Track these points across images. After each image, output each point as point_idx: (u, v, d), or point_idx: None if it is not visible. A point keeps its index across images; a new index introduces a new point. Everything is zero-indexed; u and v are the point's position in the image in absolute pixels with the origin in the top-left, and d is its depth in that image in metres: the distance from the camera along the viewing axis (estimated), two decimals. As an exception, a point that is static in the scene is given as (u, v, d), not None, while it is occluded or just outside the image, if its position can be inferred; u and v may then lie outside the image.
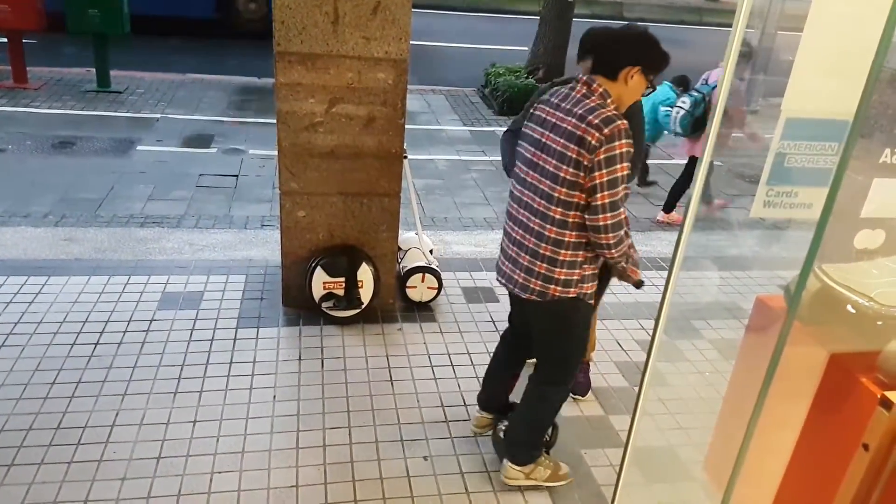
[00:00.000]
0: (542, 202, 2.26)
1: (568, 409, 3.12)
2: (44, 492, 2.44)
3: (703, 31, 13.60)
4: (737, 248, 4.91)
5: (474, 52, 10.87)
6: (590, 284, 2.37)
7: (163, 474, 2.56)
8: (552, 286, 2.31)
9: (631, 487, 2.06)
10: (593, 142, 2.10)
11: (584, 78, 2.25)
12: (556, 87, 2.40)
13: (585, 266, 2.32)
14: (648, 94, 2.30)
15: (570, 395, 3.26)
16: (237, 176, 5.81)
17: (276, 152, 3.44)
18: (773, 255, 4.22)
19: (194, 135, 6.66)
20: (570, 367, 2.55)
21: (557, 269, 2.29)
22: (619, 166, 2.12)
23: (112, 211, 4.94)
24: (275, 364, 3.24)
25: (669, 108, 5.44)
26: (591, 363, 3.32)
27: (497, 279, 2.54)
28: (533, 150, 2.32)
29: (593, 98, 2.20)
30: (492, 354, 2.87)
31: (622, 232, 2.21)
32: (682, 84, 5.56)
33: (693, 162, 5.50)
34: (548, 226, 2.26)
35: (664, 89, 5.57)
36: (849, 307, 1.88)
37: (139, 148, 6.22)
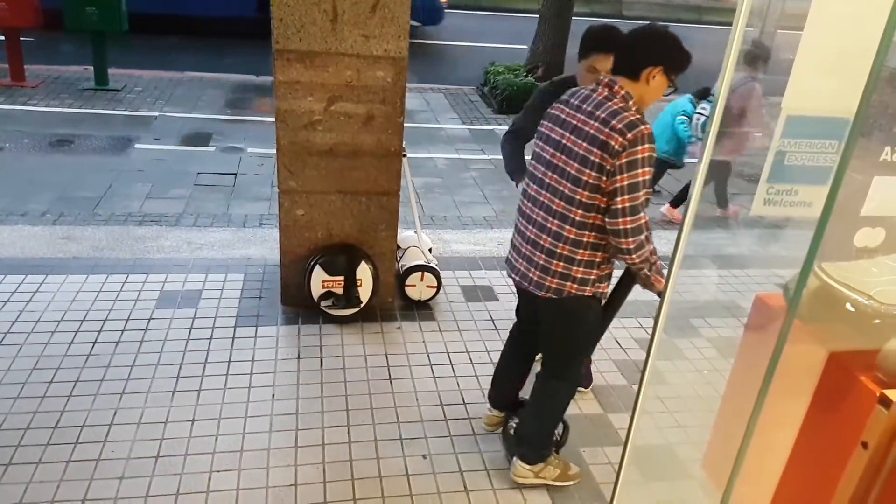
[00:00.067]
0: (562, 203, 2.25)
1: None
2: (41, 491, 2.43)
3: (702, 30, 13.61)
4: (735, 246, 4.92)
5: (473, 51, 10.86)
6: (605, 284, 2.38)
7: (161, 473, 2.55)
8: (569, 283, 2.32)
9: (630, 486, 2.06)
10: (616, 146, 2.10)
11: (606, 80, 2.23)
12: (577, 89, 2.39)
13: (603, 266, 2.33)
14: (670, 93, 2.32)
15: None
16: (236, 174, 5.80)
17: (274, 150, 3.43)
18: (772, 253, 4.22)
19: (192, 133, 6.64)
20: (578, 363, 2.59)
21: (574, 268, 2.30)
22: (640, 171, 2.11)
23: (110, 209, 4.93)
24: (273, 363, 3.23)
25: (685, 118, 5.42)
26: (591, 359, 3.32)
27: (509, 275, 2.53)
28: (552, 151, 2.30)
29: (615, 101, 2.18)
30: (500, 353, 2.88)
31: (642, 237, 2.19)
32: (704, 97, 5.51)
33: (712, 165, 5.51)
34: (567, 226, 2.26)
35: (683, 101, 5.54)
36: (848, 305, 1.88)
37: (137, 146, 6.21)
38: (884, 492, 1.69)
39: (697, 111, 5.29)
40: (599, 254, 2.29)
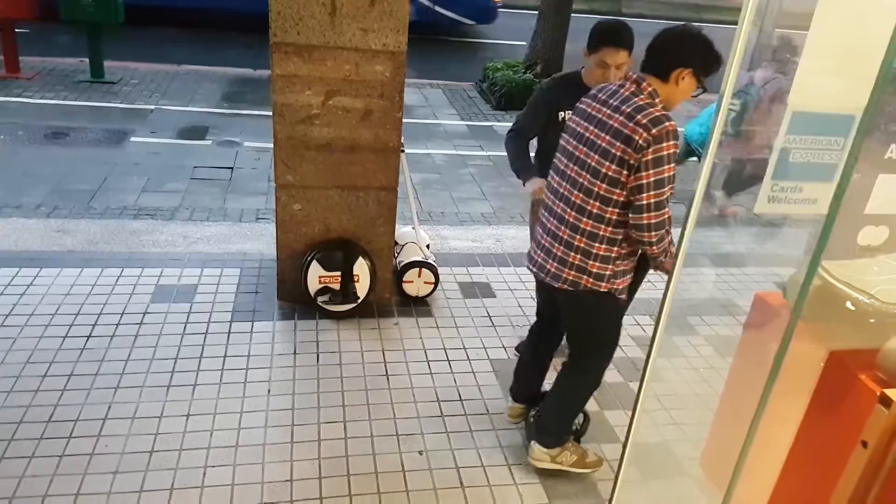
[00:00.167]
0: (581, 195, 2.28)
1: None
2: (35, 485, 2.41)
3: (702, 28, 13.58)
4: (733, 244, 4.91)
5: (472, 47, 10.83)
6: (622, 280, 2.39)
7: (155, 468, 2.53)
8: (585, 277, 2.34)
9: (630, 485, 2.05)
10: (640, 141, 2.11)
11: (634, 76, 2.26)
12: (604, 84, 2.40)
13: (619, 262, 2.34)
14: (698, 94, 2.32)
15: (515, 350, 3.38)
16: (232, 168, 5.77)
17: (271, 145, 3.41)
18: (769, 252, 4.22)
19: (189, 126, 6.60)
20: (601, 356, 2.58)
21: (591, 262, 2.32)
22: (666, 167, 2.13)
23: (105, 203, 4.90)
24: (269, 358, 3.21)
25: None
26: None
27: (527, 267, 2.56)
28: (575, 143, 2.33)
29: (642, 97, 2.20)
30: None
31: (664, 230, 2.22)
32: None
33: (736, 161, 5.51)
34: (584, 218, 2.28)
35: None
36: (848, 304, 1.87)
37: (133, 139, 6.17)
38: (883, 491, 1.69)
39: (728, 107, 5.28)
40: (615, 249, 2.30)
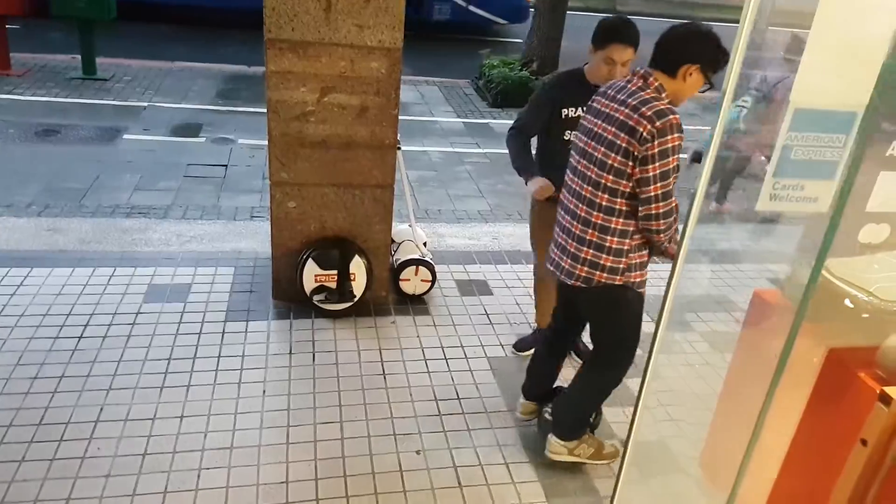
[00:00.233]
0: (590, 189, 2.32)
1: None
2: (25, 490, 2.37)
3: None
4: (727, 241, 4.90)
5: (469, 44, 10.79)
6: (637, 273, 2.39)
7: (148, 471, 2.50)
8: (598, 272, 2.36)
9: (631, 483, 2.02)
10: (645, 133, 2.14)
11: (642, 71, 2.29)
12: (614, 81, 2.43)
13: (632, 255, 2.35)
14: (706, 90, 2.36)
15: (513, 348, 3.43)
16: (226, 166, 5.72)
17: (266, 142, 3.37)
18: (763, 248, 4.20)
19: (182, 124, 6.55)
20: (623, 350, 2.56)
21: (604, 256, 2.34)
22: (671, 158, 2.17)
23: (97, 201, 4.84)
24: (264, 358, 3.18)
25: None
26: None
27: (546, 265, 2.59)
28: (586, 139, 2.38)
29: (648, 91, 2.23)
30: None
31: (672, 219, 2.26)
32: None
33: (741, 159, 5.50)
34: (594, 212, 2.31)
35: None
36: (847, 302, 1.84)
37: (125, 137, 6.11)
38: (883, 489, 1.67)
39: (738, 104, 5.27)
40: (627, 241, 2.32)
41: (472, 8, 10.62)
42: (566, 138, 2.94)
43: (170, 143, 6.12)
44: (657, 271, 2.58)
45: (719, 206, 5.51)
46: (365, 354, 3.30)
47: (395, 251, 3.83)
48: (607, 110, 2.30)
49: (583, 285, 2.40)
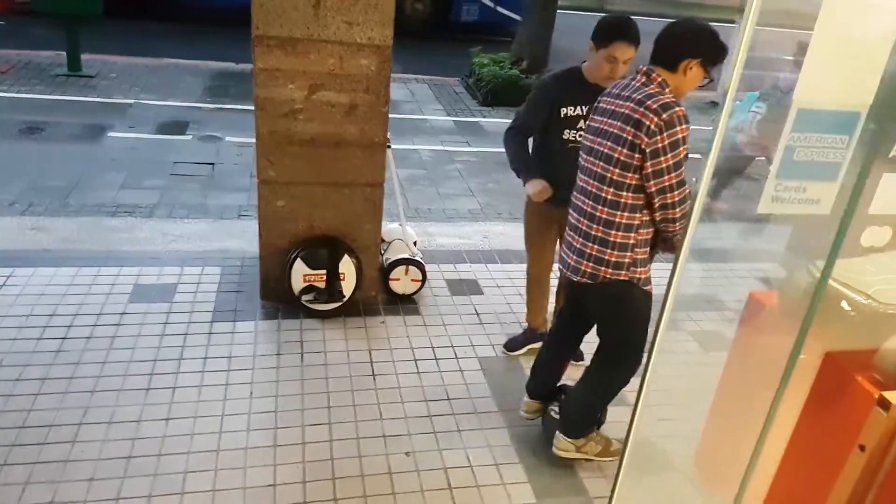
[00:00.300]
0: (596, 184, 2.37)
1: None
2: (6, 494, 2.33)
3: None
4: (716, 240, 4.90)
5: (458, 41, 10.74)
6: (642, 269, 2.42)
7: (133, 475, 2.46)
8: (603, 268, 2.38)
9: (629, 482, 2.00)
10: (652, 126, 2.19)
11: (644, 68, 2.33)
12: (619, 81, 2.47)
13: (637, 249, 2.38)
14: (705, 84, 2.44)
15: (503, 348, 3.42)
16: (213, 164, 5.66)
17: (254, 140, 3.33)
18: (752, 247, 4.21)
19: (169, 121, 6.48)
20: (631, 349, 2.55)
21: (608, 251, 2.36)
22: (681, 149, 2.23)
23: (82, 200, 4.78)
24: (252, 359, 3.14)
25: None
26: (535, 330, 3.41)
27: (558, 265, 2.64)
28: (592, 137, 2.43)
29: (652, 86, 2.29)
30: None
31: (687, 204, 2.29)
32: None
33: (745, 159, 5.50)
34: (600, 206, 2.35)
35: (753, 96, 5.53)
36: (844, 304, 1.83)
37: (111, 134, 6.03)
38: (881, 495, 1.66)
39: (753, 109, 5.28)
40: (632, 235, 2.35)
41: (499, 9, 10.72)
42: (565, 137, 2.92)
43: (156, 140, 6.04)
44: (656, 269, 2.57)
45: (713, 202, 5.51)
46: (354, 355, 3.26)
47: (384, 250, 3.80)
48: (612, 107, 2.35)
49: (588, 281, 2.43)
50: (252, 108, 3.28)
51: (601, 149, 2.34)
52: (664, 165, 2.21)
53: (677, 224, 2.33)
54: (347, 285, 3.48)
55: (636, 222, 2.33)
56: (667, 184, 2.24)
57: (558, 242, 3.26)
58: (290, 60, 3.17)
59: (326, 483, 2.53)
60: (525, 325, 3.49)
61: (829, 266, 1.40)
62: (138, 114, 6.56)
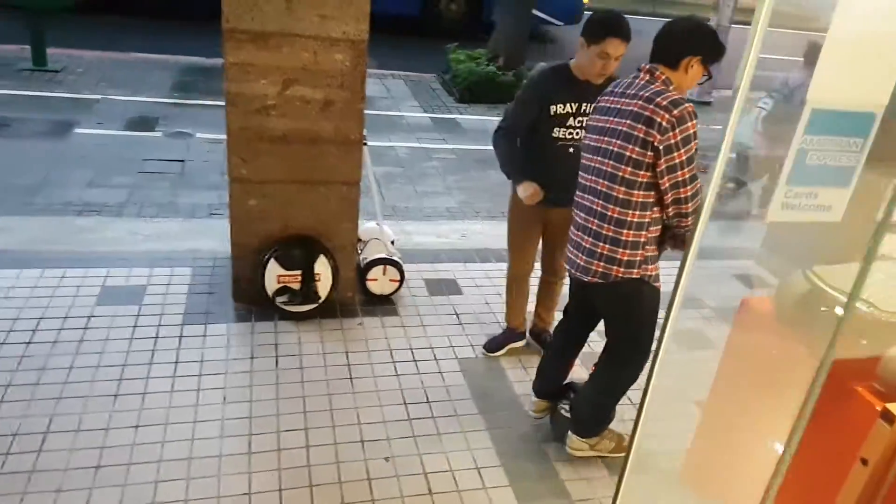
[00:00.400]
0: (606, 183, 2.36)
1: (531, 403, 3.05)
2: (-34, 509, 2.23)
3: (657, 23, 13.77)
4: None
5: (433, 37, 10.67)
6: (653, 266, 2.44)
7: (102, 485, 2.38)
8: (615, 267, 2.39)
9: (631, 485, 1.96)
10: (664, 123, 2.21)
11: (647, 66, 2.36)
12: (619, 80, 2.47)
13: (648, 247, 2.40)
14: (704, 81, 2.49)
15: (483, 349, 3.38)
16: (183, 161, 5.53)
17: (225, 136, 3.24)
18: (728, 245, 4.22)
19: (138, 117, 6.33)
20: (640, 346, 2.57)
21: (620, 250, 2.37)
22: (692, 144, 2.25)
23: (47, 198, 4.63)
24: (225, 363, 3.07)
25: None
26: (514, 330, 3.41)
27: (565, 266, 2.64)
28: (597, 136, 2.42)
29: (657, 84, 2.31)
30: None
31: (699, 199, 2.29)
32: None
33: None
34: (611, 206, 2.35)
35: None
36: (842, 312, 1.76)
37: (77, 131, 5.87)
38: (884, 510, 1.61)
39: (759, 105, 5.30)
40: (643, 233, 2.36)
41: (533, 11, 10.80)
42: (555, 135, 2.88)
43: (124, 137, 5.89)
44: (676, 251, 2.56)
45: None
46: (331, 358, 3.20)
47: (361, 250, 3.74)
48: (618, 106, 2.35)
49: (600, 281, 2.43)
50: (223, 103, 3.19)
51: (610, 147, 2.33)
52: (677, 161, 2.23)
53: (689, 219, 2.35)
54: (323, 286, 3.41)
55: (647, 220, 2.35)
56: (680, 179, 2.26)
57: (540, 242, 3.23)
58: (263, 55, 3.10)
59: (303, 491, 2.47)
60: (504, 325, 3.46)
61: (858, 285, 1.35)
62: (106, 110, 6.39)
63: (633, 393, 3.12)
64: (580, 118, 2.85)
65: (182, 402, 2.80)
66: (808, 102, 1.37)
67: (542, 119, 2.86)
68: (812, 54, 4.68)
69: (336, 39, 3.15)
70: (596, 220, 2.40)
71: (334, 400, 2.93)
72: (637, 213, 2.33)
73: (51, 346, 3.02)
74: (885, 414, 1.55)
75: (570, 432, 2.73)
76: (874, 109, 1.35)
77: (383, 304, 3.67)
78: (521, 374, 3.27)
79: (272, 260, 3.32)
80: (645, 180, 2.29)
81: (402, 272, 3.65)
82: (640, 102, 2.26)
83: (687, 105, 2.22)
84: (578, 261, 2.48)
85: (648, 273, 2.42)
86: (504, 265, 3.35)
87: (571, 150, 2.90)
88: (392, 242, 3.82)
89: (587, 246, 2.44)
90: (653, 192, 2.32)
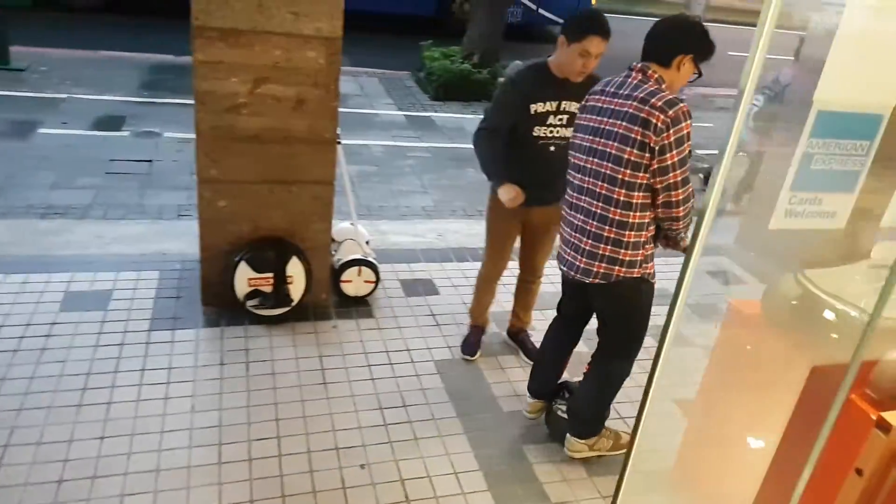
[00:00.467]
0: (606, 185, 2.34)
1: (511, 405, 3.05)
2: (-83, 529, 2.12)
3: (633, 21, 13.90)
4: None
5: (407, 34, 10.61)
6: (651, 264, 2.47)
7: (65, 500, 2.29)
8: (617, 267, 2.40)
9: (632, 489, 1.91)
10: (659, 124, 2.20)
11: (639, 65, 2.35)
12: (609, 78, 2.44)
13: (647, 246, 2.42)
14: (695, 80, 2.47)
15: (462, 354, 3.34)
16: (151, 161, 5.40)
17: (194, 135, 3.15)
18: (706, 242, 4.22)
19: (104, 116, 6.17)
20: (635, 343, 2.63)
21: (623, 251, 2.38)
22: (685, 145, 2.24)
23: (9, 201, 4.48)
24: (193, 370, 2.98)
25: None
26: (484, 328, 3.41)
27: (559, 268, 2.61)
28: (591, 137, 2.40)
29: (650, 83, 2.29)
30: (539, 345, 2.94)
31: (690, 203, 2.33)
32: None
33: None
34: (612, 208, 2.34)
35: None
36: (833, 317, 1.72)
37: (41, 131, 5.71)
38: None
39: (752, 102, 5.32)
40: (643, 233, 2.38)
41: (541, 10, 10.96)
42: (536, 134, 2.84)
43: (90, 137, 5.74)
44: (669, 250, 2.59)
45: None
46: (304, 363, 3.13)
47: (335, 251, 3.67)
48: (611, 106, 2.33)
49: (602, 282, 2.43)
50: (192, 101, 3.10)
51: (607, 150, 2.32)
52: (669, 162, 2.23)
53: (681, 223, 2.36)
54: (296, 289, 3.34)
55: (647, 220, 2.36)
56: (671, 181, 2.26)
57: (518, 241, 3.19)
58: (233, 52, 3.02)
59: (276, 501, 2.40)
60: (468, 323, 3.41)
61: (881, 304, 1.30)
62: (71, 109, 6.23)
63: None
64: (560, 116, 2.83)
65: (149, 411, 2.72)
66: (815, 103, 1.32)
67: (522, 118, 2.82)
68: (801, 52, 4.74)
69: (309, 37, 3.08)
70: (596, 223, 2.39)
71: (308, 406, 2.86)
72: (638, 214, 2.34)
73: (11, 356, 2.91)
74: (880, 423, 1.51)
75: (568, 435, 2.73)
76: (881, 111, 1.31)
77: (358, 307, 3.60)
78: (498, 375, 3.23)
79: (242, 262, 3.23)
80: (644, 182, 2.29)
81: (377, 273, 3.59)
82: (635, 104, 2.25)
83: (682, 105, 2.21)
84: (578, 263, 2.46)
85: (648, 271, 2.46)
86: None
87: (553, 148, 2.87)
88: (367, 243, 3.75)
89: (587, 248, 2.43)
90: (650, 193, 2.33)
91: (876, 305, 1.35)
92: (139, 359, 3.00)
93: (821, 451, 1.54)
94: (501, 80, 6.07)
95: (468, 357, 3.31)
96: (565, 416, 2.77)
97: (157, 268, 3.70)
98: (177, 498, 2.35)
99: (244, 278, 3.24)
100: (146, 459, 2.49)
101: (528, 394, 2.95)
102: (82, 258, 3.72)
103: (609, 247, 2.38)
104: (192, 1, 2.90)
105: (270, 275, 3.28)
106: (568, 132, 2.87)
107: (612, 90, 2.37)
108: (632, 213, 2.33)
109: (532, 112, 2.80)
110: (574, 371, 2.99)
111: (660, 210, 2.33)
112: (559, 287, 2.79)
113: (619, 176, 2.29)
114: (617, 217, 2.34)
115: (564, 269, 2.56)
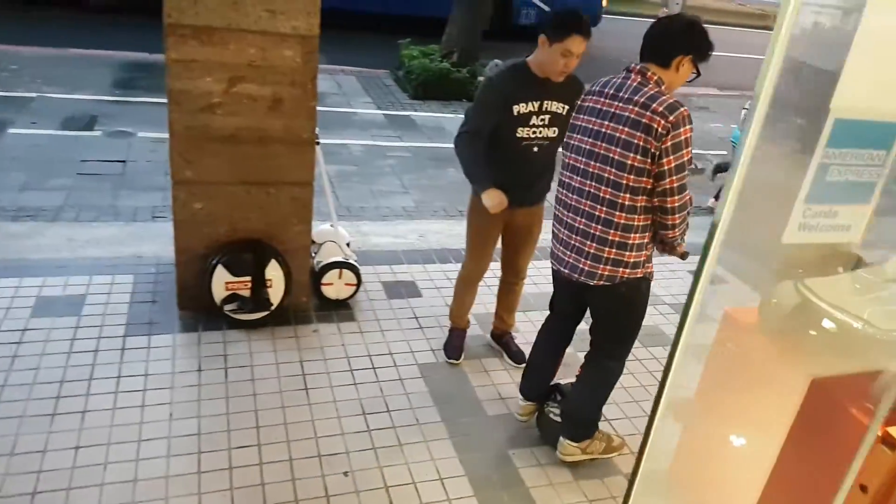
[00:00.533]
0: (609, 190, 2.33)
1: (495, 408, 3.03)
2: None
3: (619, 21, 13.98)
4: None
5: (386, 32, 10.55)
6: (651, 263, 2.50)
7: (38, 513, 2.22)
8: (621, 269, 2.41)
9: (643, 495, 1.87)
10: (660, 129, 2.19)
11: (638, 67, 2.33)
12: (607, 78, 2.42)
13: (649, 246, 2.44)
14: (693, 80, 2.47)
15: (446, 358, 3.31)
16: (125, 161, 5.29)
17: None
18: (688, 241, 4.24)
19: (75, 116, 6.04)
20: (628, 341, 2.66)
21: (628, 253, 2.39)
22: (684, 151, 2.23)
23: (-24, 203, 4.35)
24: (170, 377, 2.92)
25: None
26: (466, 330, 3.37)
27: (557, 269, 2.60)
28: (591, 140, 2.38)
29: (650, 86, 2.28)
30: (532, 345, 2.92)
31: (686, 212, 2.32)
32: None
33: None
34: (616, 212, 2.34)
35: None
36: (833, 326, 1.68)
37: (11, 131, 5.57)
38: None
39: (745, 107, 5.36)
40: (647, 234, 2.40)
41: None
42: (518, 136, 2.81)
43: (61, 137, 5.61)
44: (666, 254, 2.59)
45: (716, 201, 5.60)
46: (284, 368, 3.08)
47: (315, 253, 3.62)
48: (612, 109, 2.32)
49: (606, 283, 2.44)
50: (166, 100, 3.03)
51: (610, 155, 2.30)
52: (666, 168, 2.22)
53: (677, 231, 2.35)
54: (275, 292, 3.28)
55: (649, 222, 2.37)
56: (667, 187, 2.25)
57: (499, 242, 3.16)
58: (207, 51, 2.96)
59: (257, 510, 2.35)
60: (448, 326, 3.38)
61: None
62: (41, 108, 6.09)
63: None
64: (542, 116, 2.81)
65: (125, 419, 2.65)
66: (831, 111, 1.28)
67: (504, 120, 2.79)
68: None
69: (285, 35, 3.02)
70: (600, 227, 2.38)
71: (289, 413, 2.81)
72: (642, 217, 2.34)
73: (-20, 364, 2.82)
74: (885, 438, 1.48)
75: (561, 438, 2.71)
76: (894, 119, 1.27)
77: (339, 310, 3.55)
78: (483, 379, 3.21)
79: (219, 266, 3.16)
80: (648, 186, 2.28)
81: (358, 275, 3.55)
82: (636, 109, 2.24)
83: (682, 110, 2.21)
84: (582, 266, 2.45)
85: (649, 271, 2.47)
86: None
87: (536, 149, 2.85)
88: (348, 244, 3.71)
89: (591, 251, 2.42)
90: (653, 196, 2.34)
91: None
92: (114, 365, 2.93)
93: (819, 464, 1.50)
94: (481, 79, 6.03)
95: (453, 361, 3.27)
96: (558, 419, 2.76)
97: (132, 271, 3.62)
98: (155, 509, 2.29)
99: (221, 282, 3.18)
100: (123, 469, 2.43)
101: (519, 396, 2.93)
102: (54, 262, 3.62)
103: (614, 250, 2.38)
104: (164, -2, 2.83)
105: (248, 278, 3.22)
106: (550, 132, 2.84)
107: (612, 92, 2.35)
108: (636, 217, 2.33)
109: (515, 113, 2.77)
110: (564, 374, 2.97)
111: (657, 214, 2.34)
112: (541, 289, 2.78)
113: (624, 181, 2.29)
114: (622, 221, 2.34)
115: (566, 271, 2.53)
